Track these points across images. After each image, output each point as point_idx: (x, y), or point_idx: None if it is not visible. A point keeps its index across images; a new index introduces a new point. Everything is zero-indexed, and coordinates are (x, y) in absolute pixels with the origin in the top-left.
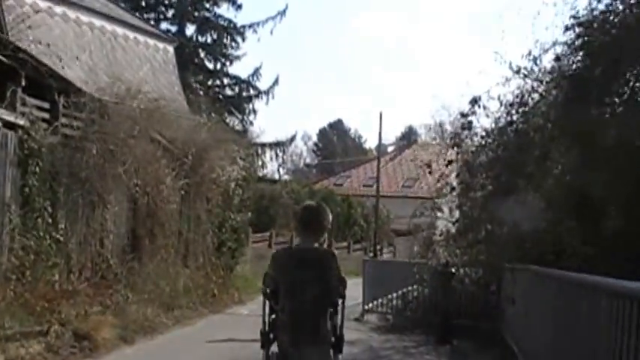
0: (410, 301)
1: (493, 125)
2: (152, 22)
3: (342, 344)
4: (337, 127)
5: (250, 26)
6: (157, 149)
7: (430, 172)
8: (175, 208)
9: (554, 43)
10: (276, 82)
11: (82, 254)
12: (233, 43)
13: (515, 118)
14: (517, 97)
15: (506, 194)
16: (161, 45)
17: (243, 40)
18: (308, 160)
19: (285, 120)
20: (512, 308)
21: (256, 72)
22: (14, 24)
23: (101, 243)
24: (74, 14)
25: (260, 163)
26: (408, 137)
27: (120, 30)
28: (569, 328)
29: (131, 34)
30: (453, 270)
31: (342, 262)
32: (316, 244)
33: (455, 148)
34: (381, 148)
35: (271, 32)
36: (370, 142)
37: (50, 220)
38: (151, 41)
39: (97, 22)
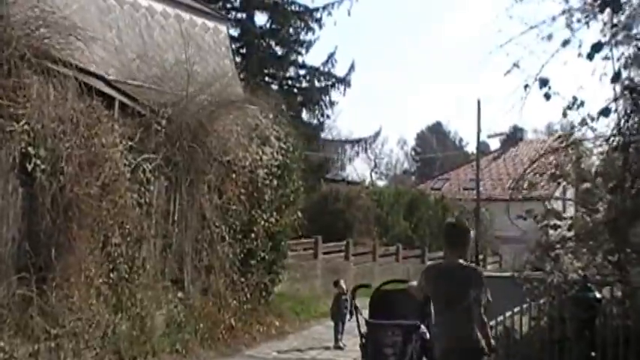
0: (517, 340)
1: None
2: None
3: None
4: (436, 130)
5: (325, 8)
6: (94, 103)
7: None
8: (142, 199)
9: None
10: (352, 68)
11: None
12: (306, 29)
13: None
14: None
15: None
16: (211, 24)
17: (320, 27)
18: (406, 166)
19: (378, 124)
20: None
21: (330, 58)
22: None
23: None
24: None
25: (339, 162)
26: (514, 137)
27: (158, 6)
28: None
29: (172, 11)
30: (597, 294)
31: None
32: (461, 260)
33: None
34: (481, 146)
35: (348, 13)
36: (472, 146)
37: None
38: (198, 19)
39: None
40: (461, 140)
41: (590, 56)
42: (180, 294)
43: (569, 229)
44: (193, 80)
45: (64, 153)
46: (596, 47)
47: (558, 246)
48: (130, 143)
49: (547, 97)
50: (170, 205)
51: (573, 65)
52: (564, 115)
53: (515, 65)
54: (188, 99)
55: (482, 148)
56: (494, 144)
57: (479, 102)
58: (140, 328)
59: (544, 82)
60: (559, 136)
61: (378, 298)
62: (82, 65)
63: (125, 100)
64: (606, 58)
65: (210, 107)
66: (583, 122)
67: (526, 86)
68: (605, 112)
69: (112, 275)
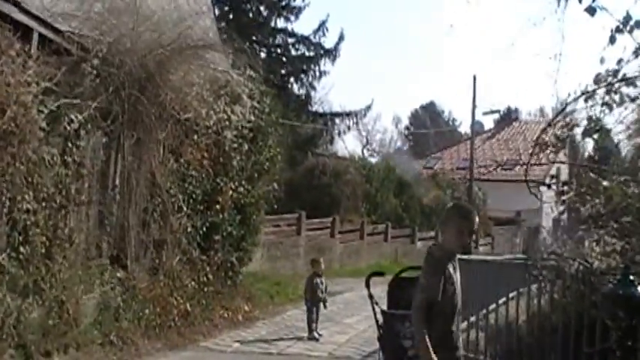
0: (520, 338)
1: None
2: None
3: None
4: (430, 109)
5: None
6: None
7: (592, 14)
8: (68, 157)
9: None
10: (341, 38)
11: None
12: None
13: None
14: None
15: None
16: None
17: None
18: (399, 145)
19: (374, 103)
20: None
21: (322, 26)
22: None
23: None
24: None
25: (329, 137)
26: (508, 118)
27: None
28: None
29: None
30: None
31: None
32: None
33: None
34: (476, 125)
35: None
36: (465, 126)
37: None
38: None
39: None
40: (454, 120)
41: None
42: (120, 273)
43: (601, 206)
44: (144, 19)
45: None
46: None
47: (583, 227)
48: (46, 84)
49: (591, 11)
50: (110, 167)
51: None
52: (612, 40)
53: None
54: (133, 38)
55: (477, 128)
56: (489, 124)
57: (474, 78)
58: (59, 315)
59: None
60: (597, 75)
61: (395, 286)
62: None
63: (46, 31)
64: None
65: (164, 51)
66: (637, 52)
67: None
68: None
69: (22, 249)
